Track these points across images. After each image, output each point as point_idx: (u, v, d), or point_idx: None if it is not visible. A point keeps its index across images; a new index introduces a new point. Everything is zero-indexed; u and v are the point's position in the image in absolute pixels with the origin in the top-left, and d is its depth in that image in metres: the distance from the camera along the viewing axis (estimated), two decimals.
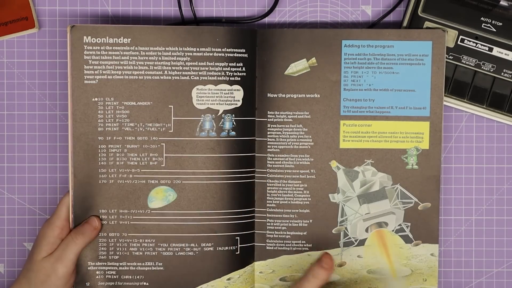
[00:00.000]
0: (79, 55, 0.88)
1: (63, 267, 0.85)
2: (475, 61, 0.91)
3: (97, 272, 0.89)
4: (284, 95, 0.90)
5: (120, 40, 0.88)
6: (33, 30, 0.93)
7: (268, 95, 0.90)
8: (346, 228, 0.91)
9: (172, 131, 0.89)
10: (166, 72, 0.89)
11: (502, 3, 0.90)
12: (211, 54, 0.89)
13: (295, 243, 0.91)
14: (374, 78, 0.90)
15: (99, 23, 0.94)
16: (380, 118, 0.90)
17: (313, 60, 0.90)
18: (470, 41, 0.90)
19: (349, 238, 0.91)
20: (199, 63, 0.89)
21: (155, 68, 0.89)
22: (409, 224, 0.91)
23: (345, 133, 0.90)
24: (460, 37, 0.90)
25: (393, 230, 0.91)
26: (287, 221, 0.91)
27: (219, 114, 0.89)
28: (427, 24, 0.90)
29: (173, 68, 0.89)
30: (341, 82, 0.90)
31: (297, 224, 0.91)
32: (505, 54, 0.90)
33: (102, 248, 0.89)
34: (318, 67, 0.90)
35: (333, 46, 0.90)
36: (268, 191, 0.91)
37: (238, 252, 0.90)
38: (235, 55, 0.89)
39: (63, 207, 0.88)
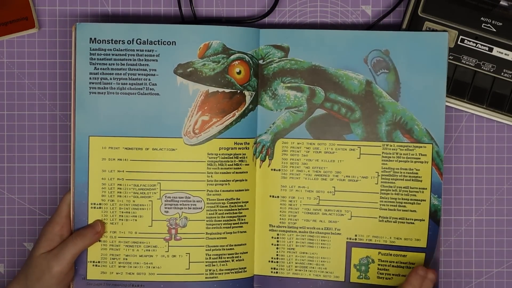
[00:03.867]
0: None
1: (57, 265, 0.85)
2: (475, 61, 0.91)
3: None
4: None
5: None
6: (33, 30, 0.93)
7: None
8: None
9: None
10: None
11: (502, 3, 0.90)
12: None
13: None
14: None
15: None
16: None
17: None
18: (470, 41, 0.90)
19: None
20: None
21: None
22: None
23: None
24: (460, 37, 0.90)
25: None
26: None
27: None
28: (427, 24, 0.90)
29: None
30: None
31: None
32: (505, 54, 0.90)
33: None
34: None
35: None
36: None
37: None
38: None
39: (64, 204, 0.88)
